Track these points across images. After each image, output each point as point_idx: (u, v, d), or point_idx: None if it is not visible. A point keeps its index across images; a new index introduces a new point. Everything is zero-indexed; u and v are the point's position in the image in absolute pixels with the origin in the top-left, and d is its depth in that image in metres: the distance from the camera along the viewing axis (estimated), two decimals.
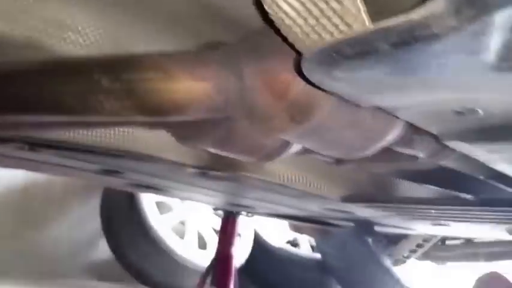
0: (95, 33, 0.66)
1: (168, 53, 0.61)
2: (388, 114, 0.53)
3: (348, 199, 1.12)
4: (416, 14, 0.33)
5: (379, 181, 1.13)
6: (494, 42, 0.34)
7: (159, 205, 2.49)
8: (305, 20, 0.40)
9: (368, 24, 0.37)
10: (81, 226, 2.71)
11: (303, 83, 0.50)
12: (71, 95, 0.57)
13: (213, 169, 0.90)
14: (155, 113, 0.57)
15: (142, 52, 0.65)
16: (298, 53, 0.44)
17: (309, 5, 0.39)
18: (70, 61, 0.61)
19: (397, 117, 0.54)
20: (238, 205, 1.66)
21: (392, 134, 0.58)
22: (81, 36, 0.66)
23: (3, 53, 0.66)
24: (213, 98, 0.55)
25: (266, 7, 0.41)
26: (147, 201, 2.41)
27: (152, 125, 0.68)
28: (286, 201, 1.24)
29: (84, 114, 0.58)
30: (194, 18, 0.65)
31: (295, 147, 0.64)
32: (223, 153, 0.66)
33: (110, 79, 0.55)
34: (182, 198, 2.35)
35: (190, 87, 0.56)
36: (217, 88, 0.55)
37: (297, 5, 0.39)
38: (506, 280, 1.87)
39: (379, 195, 1.14)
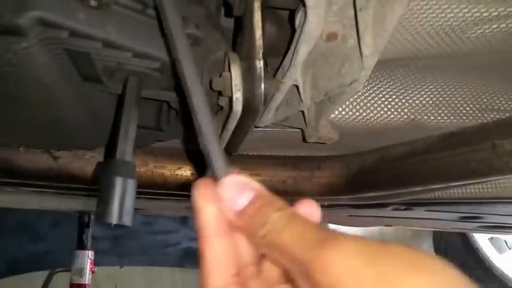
0: (463, 106, 0.78)
1: None
2: None
3: None
4: None
5: None
6: None
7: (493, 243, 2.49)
8: None
9: None
10: None
11: None
12: (475, 162, 0.68)
13: None
14: None
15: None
16: None
17: None
18: (462, 133, 0.73)
19: None
20: None
21: None
22: (454, 109, 0.78)
23: (390, 136, 0.83)
24: None
25: None
26: (482, 240, 2.43)
27: None
28: None
29: (488, 176, 0.68)
30: None
31: None
32: None
33: (510, 142, 0.65)
34: None
35: None
36: None
37: None
38: None
39: None
